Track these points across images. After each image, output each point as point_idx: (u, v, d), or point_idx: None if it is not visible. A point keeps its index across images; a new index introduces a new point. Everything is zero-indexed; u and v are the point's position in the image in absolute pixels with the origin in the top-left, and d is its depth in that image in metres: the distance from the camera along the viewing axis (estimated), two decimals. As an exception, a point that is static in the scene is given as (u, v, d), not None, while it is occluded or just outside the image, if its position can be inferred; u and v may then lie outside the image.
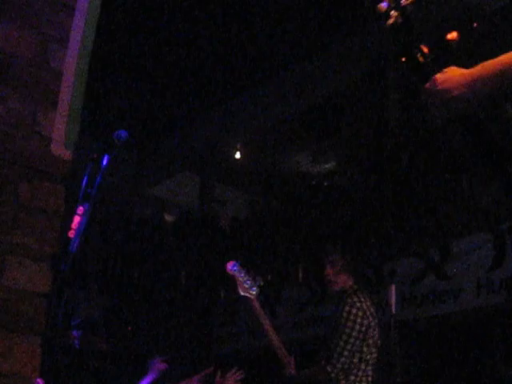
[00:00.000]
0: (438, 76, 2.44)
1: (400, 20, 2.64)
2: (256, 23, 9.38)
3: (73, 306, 8.76)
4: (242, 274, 4.33)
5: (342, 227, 9.55)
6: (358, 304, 4.04)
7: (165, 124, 11.28)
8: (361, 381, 4.03)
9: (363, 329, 4.01)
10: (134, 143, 11.31)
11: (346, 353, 3.99)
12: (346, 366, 3.99)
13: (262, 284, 4.17)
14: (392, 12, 2.68)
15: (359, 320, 4.00)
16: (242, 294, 4.38)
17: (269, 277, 10.02)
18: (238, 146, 11.85)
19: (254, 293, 4.29)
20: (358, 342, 4.01)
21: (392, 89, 9.09)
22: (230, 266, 4.37)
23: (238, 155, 11.98)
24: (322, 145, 11.22)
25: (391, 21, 2.60)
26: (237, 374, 4.86)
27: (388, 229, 8.94)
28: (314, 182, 11.34)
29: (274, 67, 10.17)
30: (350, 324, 4.00)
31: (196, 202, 12.20)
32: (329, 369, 3.96)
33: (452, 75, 2.43)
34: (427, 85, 2.43)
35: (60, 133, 2.47)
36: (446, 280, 8.04)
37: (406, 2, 2.67)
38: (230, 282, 10.54)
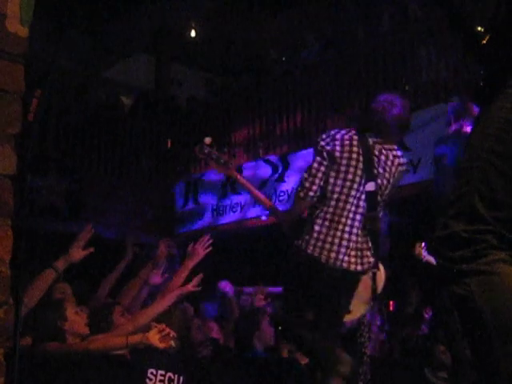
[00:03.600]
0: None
1: None
2: None
3: (34, 192, 8.73)
4: (215, 153, 4.30)
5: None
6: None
7: (117, 5, 10.93)
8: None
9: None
10: (87, 26, 10.99)
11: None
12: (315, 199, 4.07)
13: (235, 156, 4.16)
14: None
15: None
16: (221, 171, 4.37)
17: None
18: (193, 24, 11.59)
19: (232, 166, 4.29)
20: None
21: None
22: (199, 149, 4.32)
23: (192, 33, 11.74)
24: (281, 19, 11.02)
25: None
26: (206, 241, 5.00)
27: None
28: (273, 57, 11.20)
29: None
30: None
31: (152, 83, 12.01)
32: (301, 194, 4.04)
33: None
34: None
35: (14, 8, 2.36)
36: (407, 151, 8.14)
37: None
38: (191, 161, 10.60)
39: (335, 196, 3.95)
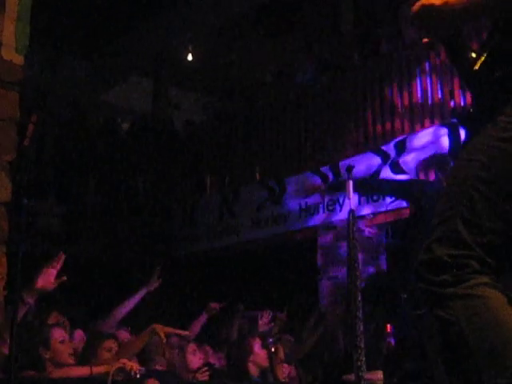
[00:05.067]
0: None
1: None
2: None
3: (31, 217, 8.71)
4: None
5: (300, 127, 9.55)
6: None
7: (115, 28, 11.00)
8: None
9: None
10: (85, 50, 11.05)
11: None
12: None
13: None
14: None
15: None
16: None
17: (226, 178, 10.05)
18: (190, 48, 11.65)
19: None
20: None
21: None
22: None
23: (190, 57, 11.80)
24: (277, 43, 11.08)
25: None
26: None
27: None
28: (269, 80, 11.24)
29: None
30: None
31: (150, 106, 12.06)
32: None
33: None
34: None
35: (10, 37, 2.38)
36: (403, 173, 8.19)
37: None
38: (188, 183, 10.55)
39: None
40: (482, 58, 2.44)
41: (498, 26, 2.43)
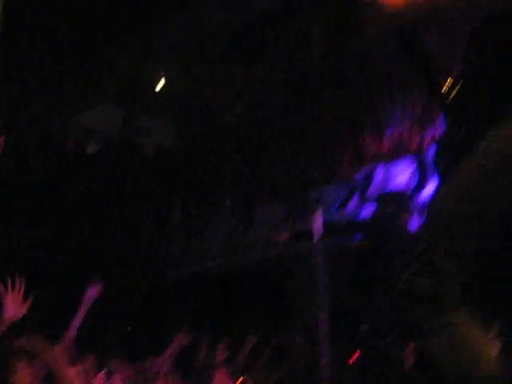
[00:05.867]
0: None
1: None
2: None
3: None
4: None
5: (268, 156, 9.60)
6: None
7: (86, 53, 10.97)
8: None
9: None
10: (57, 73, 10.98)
11: None
12: None
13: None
14: None
15: None
16: None
17: (196, 205, 10.04)
18: (162, 75, 11.65)
19: None
20: None
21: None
22: None
23: (161, 84, 11.79)
24: (248, 73, 11.13)
25: None
26: None
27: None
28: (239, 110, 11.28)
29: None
30: None
31: (120, 131, 12.00)
32: None
33: None
34: None
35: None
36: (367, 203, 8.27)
37: None
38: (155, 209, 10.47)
39: None
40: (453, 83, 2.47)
41: (473, 49, 2.45)
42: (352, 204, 8.59)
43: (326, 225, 8.23)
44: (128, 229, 10.55)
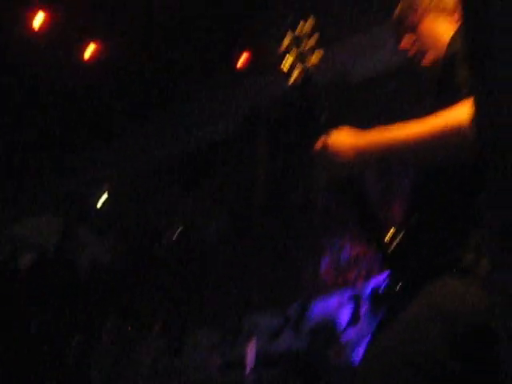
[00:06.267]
0: (330, 137, 2.49)
1: (301, 81, 2.72)
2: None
3: None
4: None
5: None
6: None
7: (27, 164, 10.94)
8: None
9: None
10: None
11: None
12: None
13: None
14: (294, 71, 2.75)
15: None
16: None
17: (129, 327, 9.83)
18: (104, 192, 11.65)
19: None
20: None
21: (262, 146, 9.21)
22: None
23: (102, 200, 11.77)
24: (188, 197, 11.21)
25: (292, 79, 2.67)
26: None
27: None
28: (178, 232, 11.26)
29: (141, 116, 10.11)
30: None
31: (56, 243, 11.83)
32: None
33: (342, 139, 2.48)
34: (317, 146, 2.47)
35: None
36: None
37: (309, 64, 2.74)
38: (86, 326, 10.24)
39: None
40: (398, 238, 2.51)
41: (420, 203, 2.50)
42: (286, 334, 8.52)
43: (258, 355, 8.11)
44: (57, 345, 10.25)
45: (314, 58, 2.87)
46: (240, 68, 8.67)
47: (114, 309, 10.24)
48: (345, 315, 8.06)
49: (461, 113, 2.24)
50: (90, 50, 9.22)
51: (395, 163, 2.45)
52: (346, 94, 8.63)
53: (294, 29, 2.88)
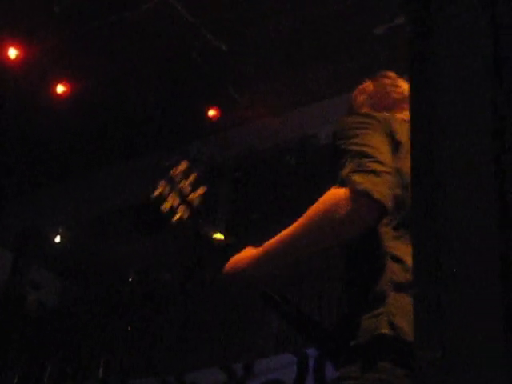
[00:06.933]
0: (235, 256, 2.60)
1: (187, 214, 2.75)
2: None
3: None
4: None
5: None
6: None
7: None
8: None
9: None
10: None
11: None
12: None
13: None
14: (178, 208, 2.78)
15: None
16: None
17: (68, 369, 9.66)
18: (60, 230, 11.54)
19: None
20: None
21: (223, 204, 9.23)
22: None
23: (57, 239, 11.65)
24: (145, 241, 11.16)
25: (177, 217, 2.71)
26: None
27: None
28: (132, 277, 11.18)
29: (107, 159, 10.11)
30: None
31: (5, 281, 11.66)
32: None
33: (243, 254, 2.59)
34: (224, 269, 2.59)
35: None
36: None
37: (192, 197, 2.78)
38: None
39: None
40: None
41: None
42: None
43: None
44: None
45: (198, 194, 2.91)
46: (206, 121, 8.72)
47: (57, 350, 10.09)
48: (290, 375, 8.01)
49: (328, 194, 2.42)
50: (61, 88, 9.22)
51: (295, 256, 2.50)
52: (313, 155, 8.71)
53: (169, 171, 2.94)
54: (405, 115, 2.79)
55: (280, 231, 2.49)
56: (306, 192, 7.13)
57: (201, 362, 8.69)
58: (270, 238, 2.66)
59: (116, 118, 9.18)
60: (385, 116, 2.70)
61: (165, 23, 7.95)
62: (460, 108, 1.39)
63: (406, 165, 2.43)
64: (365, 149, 2.45)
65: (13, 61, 8.81)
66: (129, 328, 9.58)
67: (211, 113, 8.51)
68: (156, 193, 2.88)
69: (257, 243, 2.74)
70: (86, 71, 8.86)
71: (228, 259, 2.61)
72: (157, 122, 8.99)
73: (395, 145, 2.55)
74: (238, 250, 2.61)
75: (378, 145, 2.48)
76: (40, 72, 8.99)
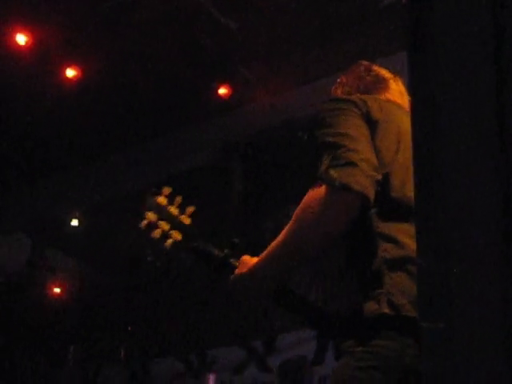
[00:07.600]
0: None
1: (180, 237, 2.76)
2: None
3: None
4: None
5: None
6: None
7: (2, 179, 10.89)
8: None
9: None
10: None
11: None
12: None
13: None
14: (170, 232, 2.81)
15: None
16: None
17: (89, 351, 9.76)
18: (77, 214, 11.59)
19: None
20: None
21: (236, 182, 9.24)
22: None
23: (75, 223, 11.70)
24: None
25: (170, 241, 2.73)
26: None
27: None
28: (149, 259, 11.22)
29: (121, 143, 10.11)
30: None
31: (24, 265, 11.75)
32: None
33: (241, 262, 2.66)
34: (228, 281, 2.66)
35: None
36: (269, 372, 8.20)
37: (182, 218, 2.78)
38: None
39: None
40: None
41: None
42: (250, 370, 8.49)
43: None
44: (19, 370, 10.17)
45: (188, 214, 2.94)
46: (217, 100, 8.69)
47: (79, 336, 10.19)
48: (311, 351, 8.06)
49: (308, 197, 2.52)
50: (70, 73, 9.21)
51: (291, 264, 2.57)
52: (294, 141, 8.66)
53: (153, 200, 2.96)
54: (385, 96, 2.87)
55: (293, 210, 2.53)
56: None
57: (221, 339, 8.75)
58: (283, 217, 2.74)
59: (128, 101, 9.16)
60: (360, 96, 2.76)
61: (175, 4, 7.92)
62: (461, 87, 1.40)
63: (383, 143, 2.51)
64: (338, 139, 2.52)
65: (22, 47, 8.80)
66: (129, 328, 9.65)
67: (222, 91, 8.50)
68: (144, 223, 2.91)
69: (271, 222, 2.85)
70: (96, 54, 8.84)
71: (230, 270, 2.70)
72: (168, 102, 8.97)
73: (373, 124, 2.60)
74: (237, 258, 2.70)
75: (352, 130, 2.54)
76: (49, 57, 8.98)
